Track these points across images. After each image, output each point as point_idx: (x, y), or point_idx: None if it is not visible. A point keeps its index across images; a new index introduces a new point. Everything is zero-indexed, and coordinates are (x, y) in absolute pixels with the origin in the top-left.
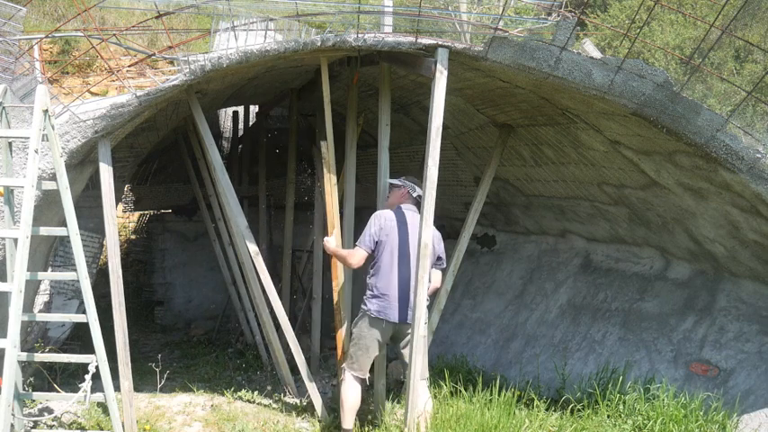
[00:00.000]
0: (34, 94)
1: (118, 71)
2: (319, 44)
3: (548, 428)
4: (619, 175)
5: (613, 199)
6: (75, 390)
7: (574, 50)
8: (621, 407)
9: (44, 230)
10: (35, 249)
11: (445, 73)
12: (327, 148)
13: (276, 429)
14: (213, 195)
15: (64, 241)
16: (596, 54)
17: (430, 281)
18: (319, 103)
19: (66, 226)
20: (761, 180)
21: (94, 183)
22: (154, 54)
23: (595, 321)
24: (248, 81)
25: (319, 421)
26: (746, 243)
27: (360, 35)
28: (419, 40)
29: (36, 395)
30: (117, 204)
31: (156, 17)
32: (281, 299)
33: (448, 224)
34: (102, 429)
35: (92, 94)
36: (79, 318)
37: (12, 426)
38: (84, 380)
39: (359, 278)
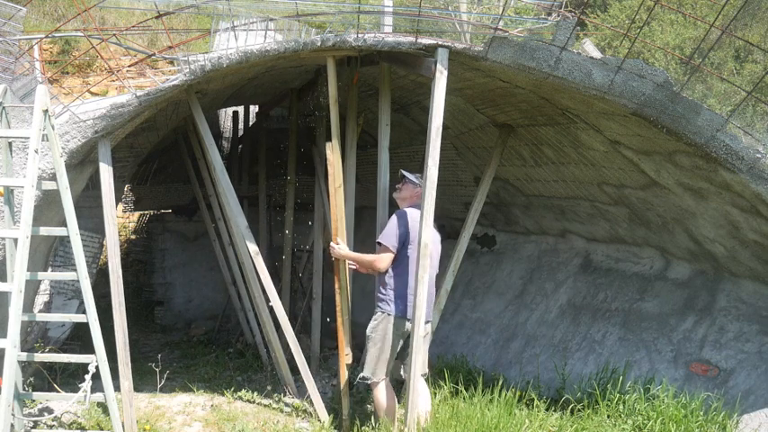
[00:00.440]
0: (34, 94)
1: (118, 71)
2: (319, 44)
3: (548, 428)
4: (619, 175)
5: (613, 199)
6: (75, 390)
7: (574, 50)
8: (621, 407)
9: (44, 230)
10: (35, 249)
11: (445, 73)
12: (333, 150)
13: (276, 429)
14: (213, 195)
15: (64, 241)
16: (596, 54)
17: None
18: (318, 104)
19: (66, 226)
20: (761, 180)
21: (94, 183)
22: (154, 54)
23: (595, 321)
24: (248, 81)
25: (319, 421)
26: (746, 243)
27: (360, 35)
28: (419, 40)
29: (36, 395)
30: (117, 204)
31: (156, 17)
32: (281, 299)
33: (448, 224)
34: (102, 429)
35: (92, 94)
36: (79, 318)
37: (12, 426)
38: (84, 380)
39: (359, 278)
